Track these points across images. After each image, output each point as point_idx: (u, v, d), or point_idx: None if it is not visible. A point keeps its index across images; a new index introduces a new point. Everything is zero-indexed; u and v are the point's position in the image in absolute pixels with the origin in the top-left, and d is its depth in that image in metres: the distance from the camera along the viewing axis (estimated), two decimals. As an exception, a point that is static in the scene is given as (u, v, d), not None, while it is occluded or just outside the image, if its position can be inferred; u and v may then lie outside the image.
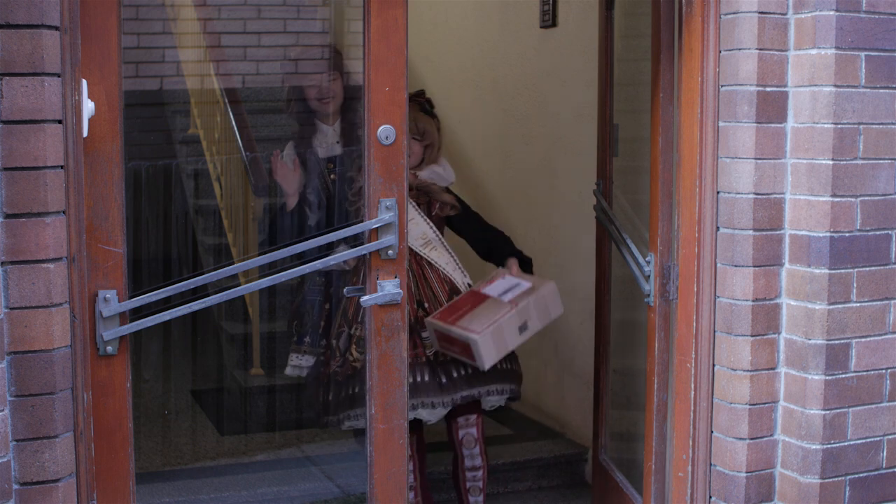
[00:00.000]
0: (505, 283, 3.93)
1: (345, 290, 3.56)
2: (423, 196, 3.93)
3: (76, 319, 2.48)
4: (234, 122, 5.22)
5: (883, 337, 3.09)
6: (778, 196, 3.05)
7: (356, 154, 4.04)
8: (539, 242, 5.17)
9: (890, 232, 3.06)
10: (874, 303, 3.06)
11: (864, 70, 2.97)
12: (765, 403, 3.09)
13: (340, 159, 4.03)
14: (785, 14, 3.00)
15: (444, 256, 3.94)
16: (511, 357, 3.93)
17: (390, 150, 2.91)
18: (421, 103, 4.01)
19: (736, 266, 3.06)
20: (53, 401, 2.37)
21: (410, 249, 3.76)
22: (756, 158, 3.01)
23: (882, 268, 3.06)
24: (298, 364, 4.07)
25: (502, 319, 3.74)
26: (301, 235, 3.83)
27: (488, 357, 3.70)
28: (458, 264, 4.01)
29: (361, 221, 2.95)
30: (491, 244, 4.14)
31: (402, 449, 3.01)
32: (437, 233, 3.94)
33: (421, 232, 3.88)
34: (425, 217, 3.91)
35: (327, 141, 4.05)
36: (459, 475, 4.02)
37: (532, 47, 5.17)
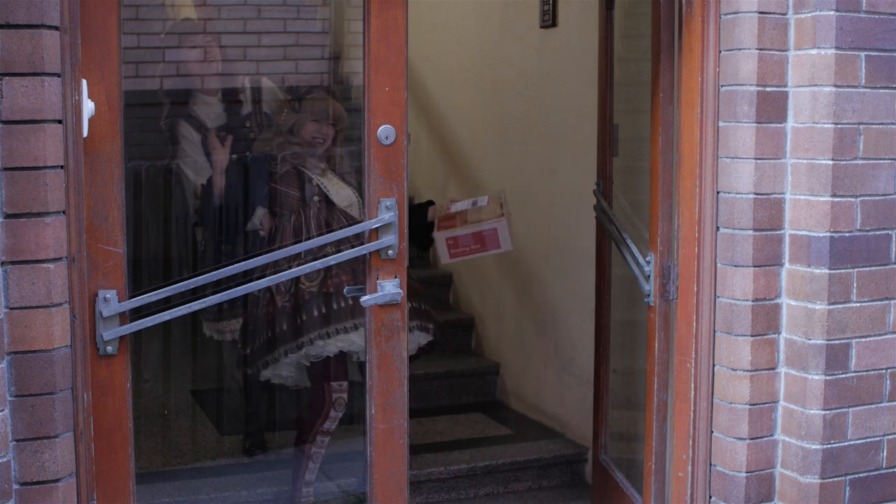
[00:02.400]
0: (464, 203, 4.23)
1: (345, 290, 3.57)
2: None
3: (76, 319, 2.48)
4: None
5: (883, 337, 3.09)
6: (778, 196, 3.05)
7: (249, 118, 4.45)
8: (539, 242, 5.18)
9: (890, 232, 3.06)
10: (874, 303, 3.06)
11: (864, 70, 2.97)
12: (765, 403, 3.09)
13: (227, 127, 4.31)
14: (785, 14, 3.00)
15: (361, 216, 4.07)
16: (424, 298, 4.14)
17: (390, 150, 2.91)
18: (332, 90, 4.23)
19: (736, 266, 3.06)
20: (53, 401, 2.37)
21: (335, 204, 4.00)
22: (756, 158, 3.01)
23: (882, 268, 3.06)
24: (221, 329, 4.22)
25: (506, 215, 4.09)
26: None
27: (510, 238, 4.04)
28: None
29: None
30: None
31: (403, 449, 3.01)
32: (360, 197, 4.08)
33: (346, 195, 4.06)
34: (349, 183, 4.09)
35: (213, 111, 4.22)
36: (311, 437, 4.06)
37: (532, 47, 5.17)
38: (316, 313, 3.92)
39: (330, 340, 3.90)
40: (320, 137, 4.06)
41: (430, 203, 4.35)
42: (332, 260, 3.12)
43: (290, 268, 3.28)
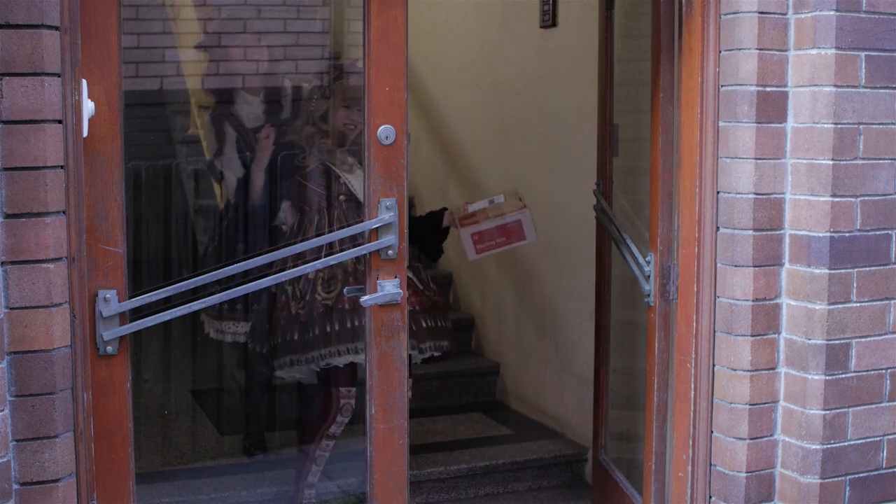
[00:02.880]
0: (481, 203, 4.23)
1: (345, 290, 3.57)
2: None
3: (76, 319, 2.48)
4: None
5: (883, 337, 3.09)
6: (778, 196, 3.05)
7: (286, 121, 4.38)
8: (539, 243, 5.17)
9: (890, 232, 3.06)
10: (874, 303, 3.06)
11: (864, 70, 2.97)
12: (765, 403, 3.09)
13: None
14: (785, 14, 3.00)
15: None
16: (444, 315, 4.10)
17: (390, 150, 2.91)
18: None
19: (736, 266, 3.06)
20: (53, 401, 2.37)
21: (362, 203, 3.91)
22: (756, 158, 3.01)
23: (882, 268, 3.06)
24: (234, 331, 4.18)
25: (527, 207, 4.11)
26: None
27: (534, 229, 4.09)
28: None
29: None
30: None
31: (403, 449, 3.01)
32: None
33: None
34: None
35: (254, 111, 4.18)
36: (316, 439, 4.05)
37: (532, 47, 5.17)
38: (329, 329, 3.87)
39: (340, 358, 3.87)
40: (351, 124, 3.96)
41: (445, 210, 4.30)
42: (332, 260, 3.12)
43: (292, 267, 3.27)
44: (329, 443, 4.02)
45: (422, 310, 3.98)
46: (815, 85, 2.96)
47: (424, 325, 3.99)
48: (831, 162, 2.96)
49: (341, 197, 3.91)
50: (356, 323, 3.83)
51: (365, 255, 2.96)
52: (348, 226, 3.49)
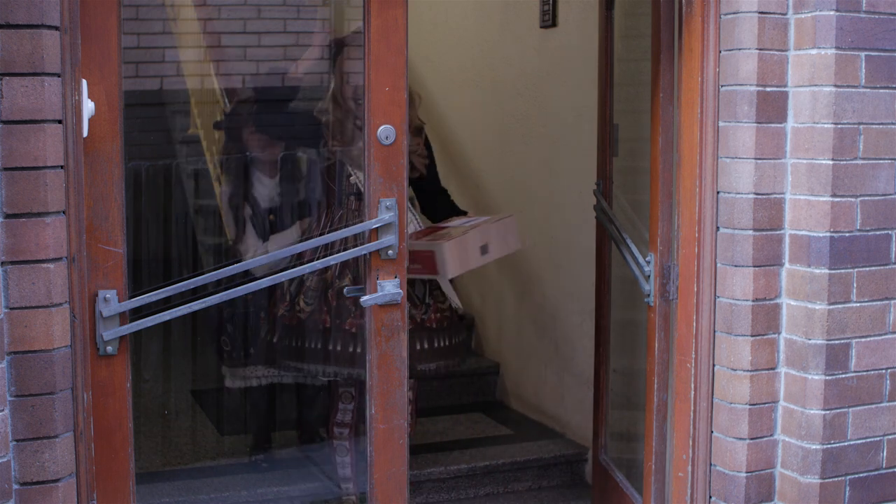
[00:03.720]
0: (462, 220, 4.11)
1: (345, 290, 3.57)
2: None
3: (76, 319, 2.48)
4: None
5: (883, 337, 3.09)
6: (778, 196, 3.05)
7: (294, 204, 4.29)
8: (539, 242, 5.18)
9: (890, 232, 3.06)
10: (874, 303, 3.06)
11: (864, 70, 2.97)
12: (765, 403, 3.09)
13: (279, 210, 4.22)
14: (785, 14, 3.00)
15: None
16: (449, 333, 4.04)
17: (390, 150, 2.91)
18: None
19: (736, 266, 3.06)
20: (53, 401, 2.37)
21: None
22: (756, 158, 3.01)
23: (882, 268, 3.06)
24: (245, 375, 4.29)
25: (464, 235, 3.84)
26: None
27: (452, 267, 3.78)
28: (417, 220, 4.10)
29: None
30: (437, 206, 4.27)
31: (403, 449, 3.01)
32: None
33: None
34: None
35: (268, 193, 4.19)
36: (329, 432, 4.10)
37: (532, 47, 5.17)
38: (295, 344, 3.86)
39: (302, 373, 3.89)
40: (362, 100, 3.90)
41: (465, 213, 4.23)
42: (332, 260, 3.12)
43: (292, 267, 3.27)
44: (342, 430, 4.01)
45: None
46: (815, 85, 2.96)
47: (439, 343, 3.96)
48: (831, 162, 2.96)
49: (352, 197, 3.87)
50: (317, 346, 3.82)
51: (364, 256, 2.96)
52: (347, 227, 3.48)
